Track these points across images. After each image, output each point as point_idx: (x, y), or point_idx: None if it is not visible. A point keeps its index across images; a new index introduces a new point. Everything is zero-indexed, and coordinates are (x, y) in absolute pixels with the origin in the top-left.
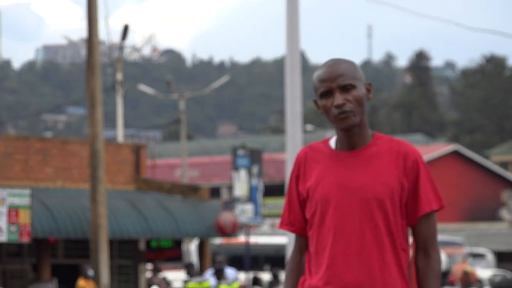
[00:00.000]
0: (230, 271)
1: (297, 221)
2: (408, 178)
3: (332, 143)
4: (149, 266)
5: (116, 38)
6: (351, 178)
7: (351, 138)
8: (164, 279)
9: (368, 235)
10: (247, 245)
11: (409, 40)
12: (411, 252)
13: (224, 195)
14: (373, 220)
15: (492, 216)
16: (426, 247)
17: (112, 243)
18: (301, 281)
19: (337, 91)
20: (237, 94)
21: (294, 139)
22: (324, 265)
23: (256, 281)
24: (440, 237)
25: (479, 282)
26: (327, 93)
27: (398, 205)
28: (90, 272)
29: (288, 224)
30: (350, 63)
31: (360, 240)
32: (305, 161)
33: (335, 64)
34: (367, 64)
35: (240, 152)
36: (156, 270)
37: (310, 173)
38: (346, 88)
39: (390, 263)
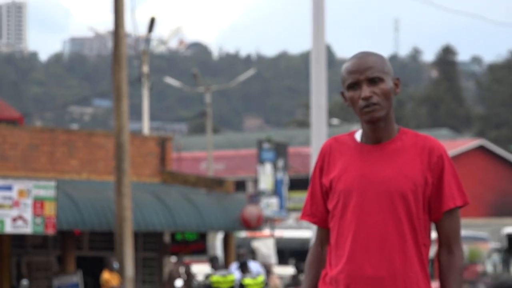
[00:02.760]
0: (254, 265)
1: (319, 212)
2: (432, 173)
3: (358, 136)
4: (173, 259)
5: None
6: (375, 171)
7: (377, 132)
8: (187, 269)
9: (390, 229)
10: (272, 238)
11: (436, 35)
12: (433, 248)
13: (249, 188)
14: (396, 213)
15: None
16: (449, 243)
17: (136, 235)
18: (322, 275)
19: (365, 84)
20: (263, 88)
21: (319, 133)
22: (345, 257)
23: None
24: (465, 232)
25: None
26: (354, 85)
27: (421, 200)
28: (115, 265)
29: (310, 215)
30: (379, 56)
31: (382, 233)
32: (330, 152)
33: (364, 56)
34: (393, 58)
35: (266, 145)
36: (180, 264)
37: (334, 164)
38: (374, 81)
39: (412, 258)
